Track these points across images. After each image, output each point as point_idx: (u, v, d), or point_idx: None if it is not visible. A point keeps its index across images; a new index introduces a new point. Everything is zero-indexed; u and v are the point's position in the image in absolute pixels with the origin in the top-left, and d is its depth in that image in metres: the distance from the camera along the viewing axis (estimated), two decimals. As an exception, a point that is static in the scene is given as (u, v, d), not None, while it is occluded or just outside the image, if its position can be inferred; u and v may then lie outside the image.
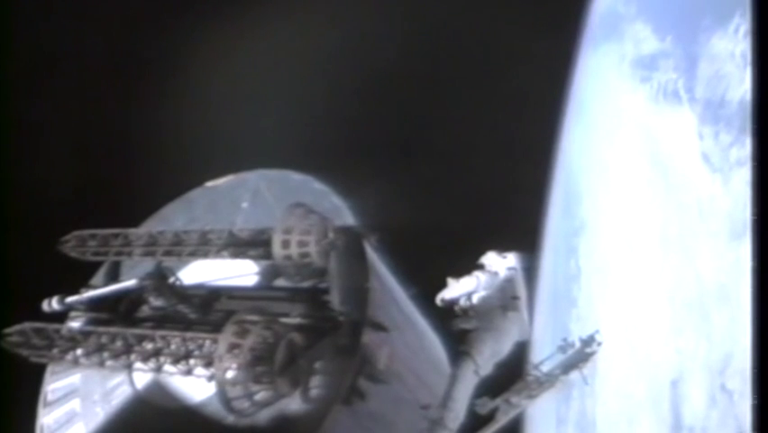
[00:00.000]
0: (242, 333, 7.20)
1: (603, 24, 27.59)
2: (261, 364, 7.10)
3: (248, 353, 7.05)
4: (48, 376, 9.36)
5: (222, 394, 7.24)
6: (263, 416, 7.82)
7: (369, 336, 8.05)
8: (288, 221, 8.16)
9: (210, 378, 7.63)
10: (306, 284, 8.69)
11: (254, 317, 7.57)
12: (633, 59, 24.33)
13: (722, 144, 18.18)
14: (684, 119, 20.02)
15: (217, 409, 7.99)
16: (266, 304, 8.41)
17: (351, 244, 8.72)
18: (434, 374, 9.92)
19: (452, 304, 8.04)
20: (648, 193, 20.50)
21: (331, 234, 8.16)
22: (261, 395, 7.26)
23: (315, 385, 7.69)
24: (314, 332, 7.86)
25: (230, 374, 7.08)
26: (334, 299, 8.15)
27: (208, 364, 7.63)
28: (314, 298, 8.42)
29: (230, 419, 7.65)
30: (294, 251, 7.98)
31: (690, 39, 20.27)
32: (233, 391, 7.17)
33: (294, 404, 7.68)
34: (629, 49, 24.71)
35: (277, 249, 8.01)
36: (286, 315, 8.16)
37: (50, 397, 9.17)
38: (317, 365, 7.67)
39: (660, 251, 19.14)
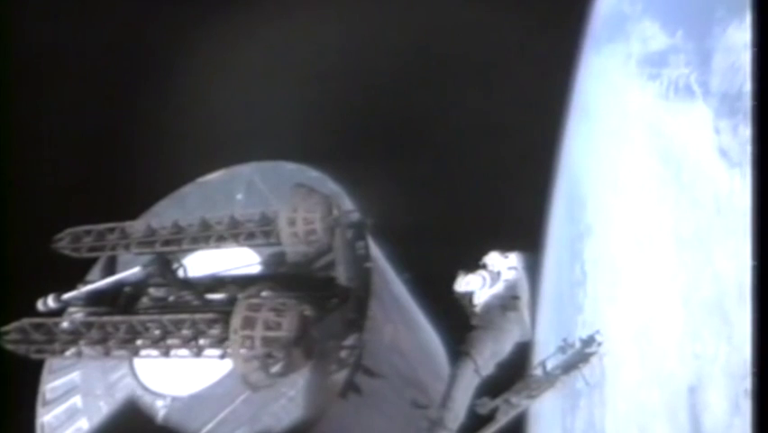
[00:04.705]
0: (256, 307, 8.39)
1: (607, 25, 29.51)
2: (276, 337, 8.32)
3: (262, 325, 8.21)
4: (45, 375, 10.46)
5: (238, 369, 8.44)
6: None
7: (374, 312, 9.49)
8: (291, 200, 9.57)
9: (222, 355, 9.00)
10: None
11: (264, 294, 8.96)
12: (640, 58, 26.01)
13: (741, 138, 19.56)
14: (698, 114, 21.46)
15: (228, 390, 9.37)
16: (273, 285, 9.77)
17: (352, 225, 10.25)
18: (429, 364, 11.37)
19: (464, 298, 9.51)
20: (660, 192, 21.89)
21: (335, 211, 9.59)
22: (276, 367, 8.51)
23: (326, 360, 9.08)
24: (322, 306, 9.23)
25: (246, 348, 8.36)
26: (341, 275, 9.48)
27: (220, 342, 8.99)
28: (320, 276, 9.83)
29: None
30: (300, 228, 9.32)
31: (704, 32, 21.73)
32: (249, 365, 8.35)
33: (301, 379, 9.05)
34: (636, 47, 26.40)
35: (283, 226, 9.36)
36: (294, 292, 9.51)
37: (48, 396, 10.24)
38: (328, 339, 9.05)
39: (674, 251, 20.39)
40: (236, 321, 8.33)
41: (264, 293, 8.95)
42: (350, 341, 9.21)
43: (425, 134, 21.86)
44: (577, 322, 24.85)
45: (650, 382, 20.61)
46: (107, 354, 9.56)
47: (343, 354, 9.18)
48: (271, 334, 8.22)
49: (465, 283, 9.34)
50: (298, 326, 8.42)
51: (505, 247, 9.59)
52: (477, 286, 9.28)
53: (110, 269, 10.97)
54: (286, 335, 8.24)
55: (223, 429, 9.17)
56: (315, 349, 8.72)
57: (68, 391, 10.27)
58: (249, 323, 8.27)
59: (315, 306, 9.03)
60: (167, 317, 9.28)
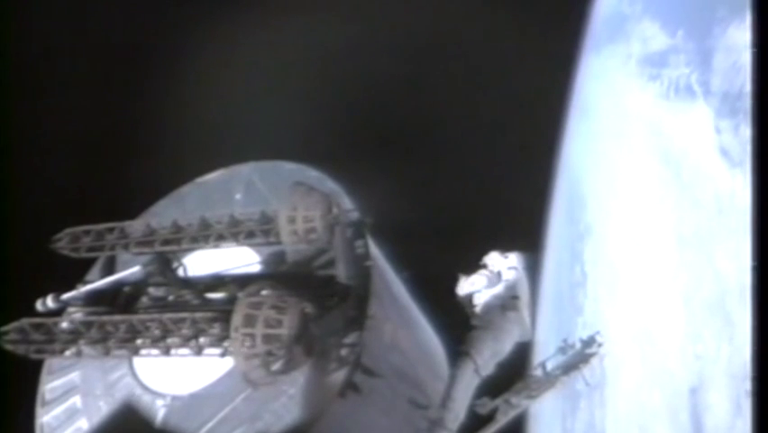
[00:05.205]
0: (257, 305, 8.46)
1: (607, 26, 29.74)
2: (277, 334, 8.35)
3: (263, 323, 8.27)
4: (44, 376, 10.50)
5: (239, 367, 8.49)
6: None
7: (374, 311, 9.56)
8: (291, 199, 9.64)
9: (223, 354, 9.08)
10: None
11: (265, 292, 9.04)
12: (640, 58, 26.25)
13: (742, 138, 19.67)
14: (699, 114, 21.62)
15: (228, 389, 9.44)
16: (273, 283, 9.85)
17: (352, 224, 10.31)
18: (429, 363, 11.43)
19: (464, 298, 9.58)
20: (660, 192, 22.04)
21: (335, 210, 9.66)
22: (277, 365, 8.56)
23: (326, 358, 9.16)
24: (322, 304, 9.29)
25: (246, 346, 8.40)
26: (340, 274, 9.56)
27: (221, 340, 9.06)
28: (320, 274, 9.91)
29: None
30: (300, 226, 9.38)
31: (704, 32, 21.92)
32: (250, 363, 8.38)
33: (302, 377, 9.11)
34: (636, 48, 26.66)
35: (283, 225, 9.43)
36: (294, 290, 9.58)
37: (48, 396, 10.27)
38: (329, 336, 9.12)
39: (674, 251, 20.53)
40: (237, 319, 8.40)
41: (264, 291, 9.03)
42: (350, 339, 9.27)
43: (425, 134, 22.00)
44: (577, 323, 24.99)
45: (651, 382, 20.70)
46: (107, 353, 9.62)
47: (343, 351, 9.24)
48: (272, 331, 8.29)
49: (470, 284, 9.42)
50: (299, 323, 8.49)
51: (505, 247, 9.66)
52: (482, 285, 9.36)
53: (109, 269, 11.04)
54: (287, 332, 8.31)
55: (223, 428, 9.21)
56: (315, 346, 8.79)
57: (68, 392, 10.30)
58: (250, 321, 8.34)
59: (315, 304, 9.08)
60: (167, 316, 9.33)
